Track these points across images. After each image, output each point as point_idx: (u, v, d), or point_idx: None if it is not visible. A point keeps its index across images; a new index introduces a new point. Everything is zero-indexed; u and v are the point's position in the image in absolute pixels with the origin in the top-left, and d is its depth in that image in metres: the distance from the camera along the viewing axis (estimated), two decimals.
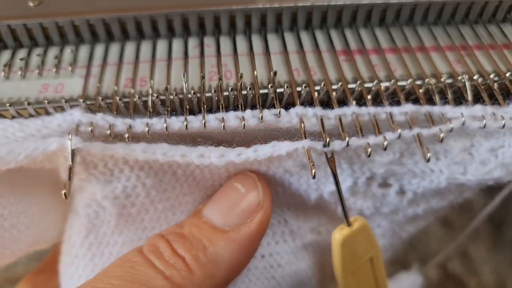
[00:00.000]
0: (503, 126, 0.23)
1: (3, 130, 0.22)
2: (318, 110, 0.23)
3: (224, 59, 0.26)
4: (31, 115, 0.23)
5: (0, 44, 0.26)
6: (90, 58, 0.26)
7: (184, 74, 0.24)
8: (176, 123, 0.22)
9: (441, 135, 0.22)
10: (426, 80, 0.25)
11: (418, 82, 0.25)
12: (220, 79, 0.24)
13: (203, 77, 0.24)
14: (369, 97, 0.24)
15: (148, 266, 0.20)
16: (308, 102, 0.24)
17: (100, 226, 0.25)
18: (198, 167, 0.24)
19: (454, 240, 0.47)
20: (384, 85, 0.25)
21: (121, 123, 0.22)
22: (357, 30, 0.28)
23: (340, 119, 0.22)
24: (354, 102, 0.23)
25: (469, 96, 0.24)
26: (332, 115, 0.23)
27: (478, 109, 0.23)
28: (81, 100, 0.23)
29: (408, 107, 0.23)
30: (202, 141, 0.23)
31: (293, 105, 0.23)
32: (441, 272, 0.57)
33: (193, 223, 0.22)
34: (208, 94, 0.24)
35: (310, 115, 0.22)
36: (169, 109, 0.23)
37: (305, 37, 0.28)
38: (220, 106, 0.23)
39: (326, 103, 0.24)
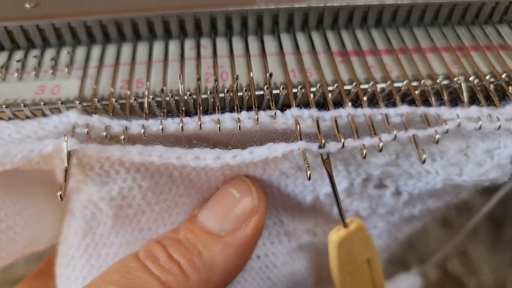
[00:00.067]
0: (499, 127, 0.23)
1: None
2: (314, 112, 0.23)
3: (220, 60, 0.26)
4: (27, 117, 0.24)
5: None
6: (86, 60, 0.26)
7: (180, 75, 0.24)
8: (172, 124, 0.22)
9: (437, 136, 0.22)
10: (422, 81, 0.25)
11: (414, 84, 0.25)
12: (216, 80, 0.24)
13: (199, 79, 0.24)
14: (365, 98, 0.24)
15: (144, 271, 0.20)
16: (304, 103, 0.24)
17: (96, 228, 0.26)
18: (194, 169, 0.24)
19: (454, 240, 0.47)
20: (380, 86, 0.25)
21: (117, 125, 0.22)
22: (353, 31, 0.28)
23: (335, 121, 0.22)
24: (350, 104, 0.23)
25: (465, 98, 0.24)
26: (327, 116, 0.23)
27: (474, 110, 0.23)
28: (78, 102, 0.23)
29: (404, 109, 0.23)
30: (198, 143, 0.23)
31: (289, 106, 0.23)
32: (440, 272, 0.57)
33: (189, 228, 0.22)
34: (204, 96, 0.24)
35: (306, 117, 0.22)
36: (165, 110, 0.23)
37: (301, 38, 0.28)
38: (216, 108, 0.23)
39: (322, 105, 0.24)
